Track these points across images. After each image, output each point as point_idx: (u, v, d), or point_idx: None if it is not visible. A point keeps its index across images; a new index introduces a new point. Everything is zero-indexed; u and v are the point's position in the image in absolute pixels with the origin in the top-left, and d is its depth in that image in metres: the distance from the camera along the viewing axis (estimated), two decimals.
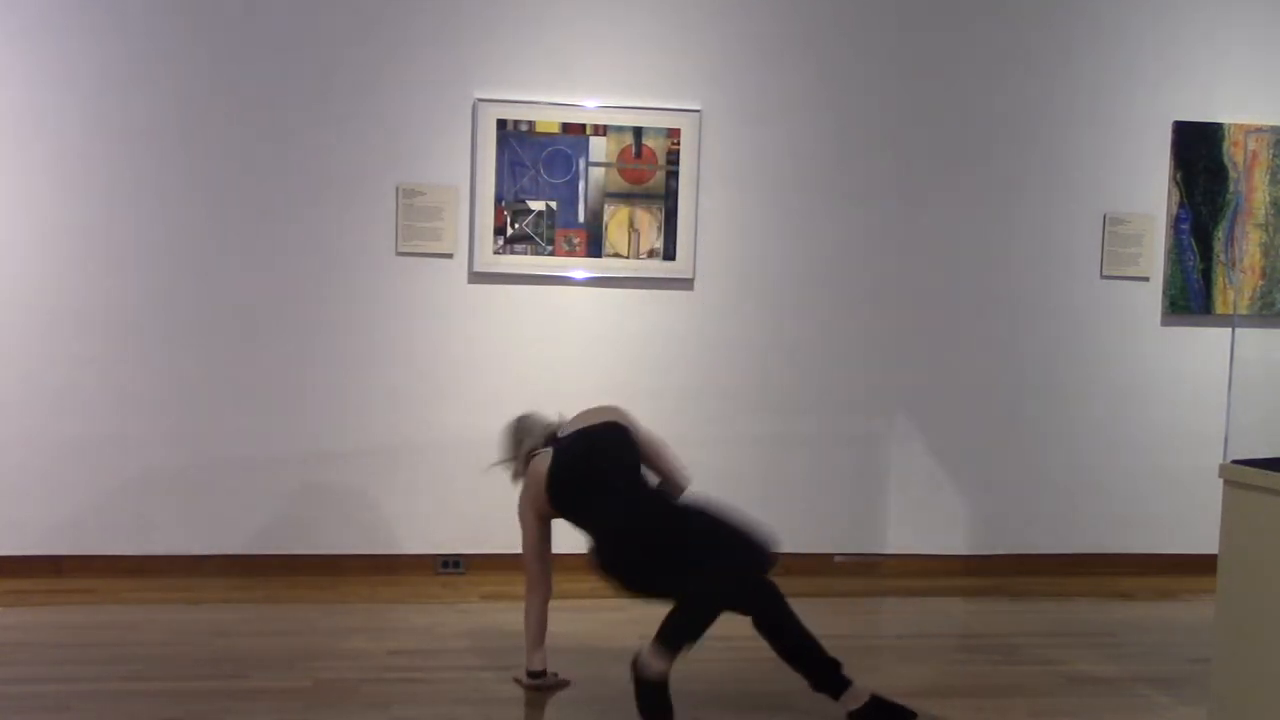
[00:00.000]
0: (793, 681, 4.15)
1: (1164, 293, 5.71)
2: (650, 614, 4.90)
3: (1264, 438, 3.40)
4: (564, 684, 3.95)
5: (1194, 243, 5.70)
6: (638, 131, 5.32)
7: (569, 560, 5.41)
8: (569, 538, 5.48)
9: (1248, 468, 3.23)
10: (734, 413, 5.48)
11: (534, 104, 5.25)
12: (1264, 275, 5.71)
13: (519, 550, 5.38)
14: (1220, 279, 5.73)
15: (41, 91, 4.98)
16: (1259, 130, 5.66)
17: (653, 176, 5.35)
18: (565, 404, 5.39)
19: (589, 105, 5.28)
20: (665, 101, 5.34)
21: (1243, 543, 3.23)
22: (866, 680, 3.78)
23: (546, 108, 5.26)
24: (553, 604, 5.01)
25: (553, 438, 3.96)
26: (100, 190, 5.06)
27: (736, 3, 5.40)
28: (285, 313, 5.17)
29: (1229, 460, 3.30)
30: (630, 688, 3.59)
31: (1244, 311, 5.64)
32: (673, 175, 5.36)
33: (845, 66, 5.47)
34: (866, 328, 5.54)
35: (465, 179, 5.25)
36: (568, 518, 3.89)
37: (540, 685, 3.93)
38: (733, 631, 4.72)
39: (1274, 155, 5.73)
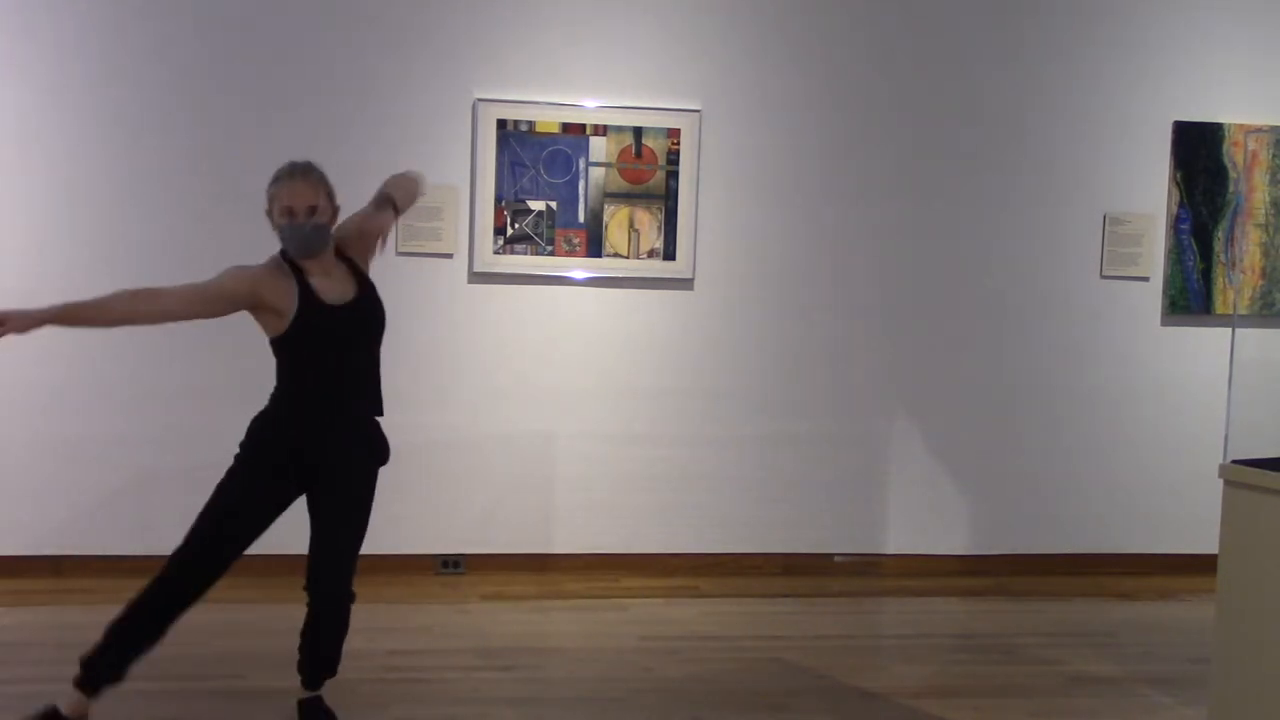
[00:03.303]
0: (793, 681, 4.16)
1: (1164, 293, 5.71)
2: (652, 614, 4.93)
3: (1264, 438, 3.40)
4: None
5: (1194, 243, 5.70)
6: (638, 131, 5.32)
7: (568, 560, 5.44)
8: (571, 539, 5.51)
9: (1248, 468, 3.23)
10: (734, 412, 5.48)
11: (534, 104, 5.25)
12: (1264, 275, 5.71)
13: (519, 550, 5.42)
14: (1220, 279, 5.73)
15: (41, 92, 4.98)
16: (1259, 130, 5.66)
17: (653, 176, 5.35)
18: (565, 404, 5.43)
19: (589, 105, 5.28)
20: (665, 101, 5.34)
21: (1243, 543, 3.23)
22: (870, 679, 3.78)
23: (546, 108, 5.26)
24: (553, 604, 5.04)
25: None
26: (100, 190, 5.06)
27: (736, 3, 5.40)
28: None
29: (1229, 460, 3.29)
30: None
31: (1244, 311, 5.64)
32: (673, 175, 5.36)
33: (845, 66, 5.47)
34: (866, 327, 5.54)
35: (465, 179, 5.25)
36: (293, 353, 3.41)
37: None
38: (733, 631, 4.74)
39: (1274, 155, 5.73)
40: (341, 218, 3.56)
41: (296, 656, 3.57)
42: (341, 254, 3.54)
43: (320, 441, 3.45)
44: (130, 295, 3.35)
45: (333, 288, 3.44)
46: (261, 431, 3.49)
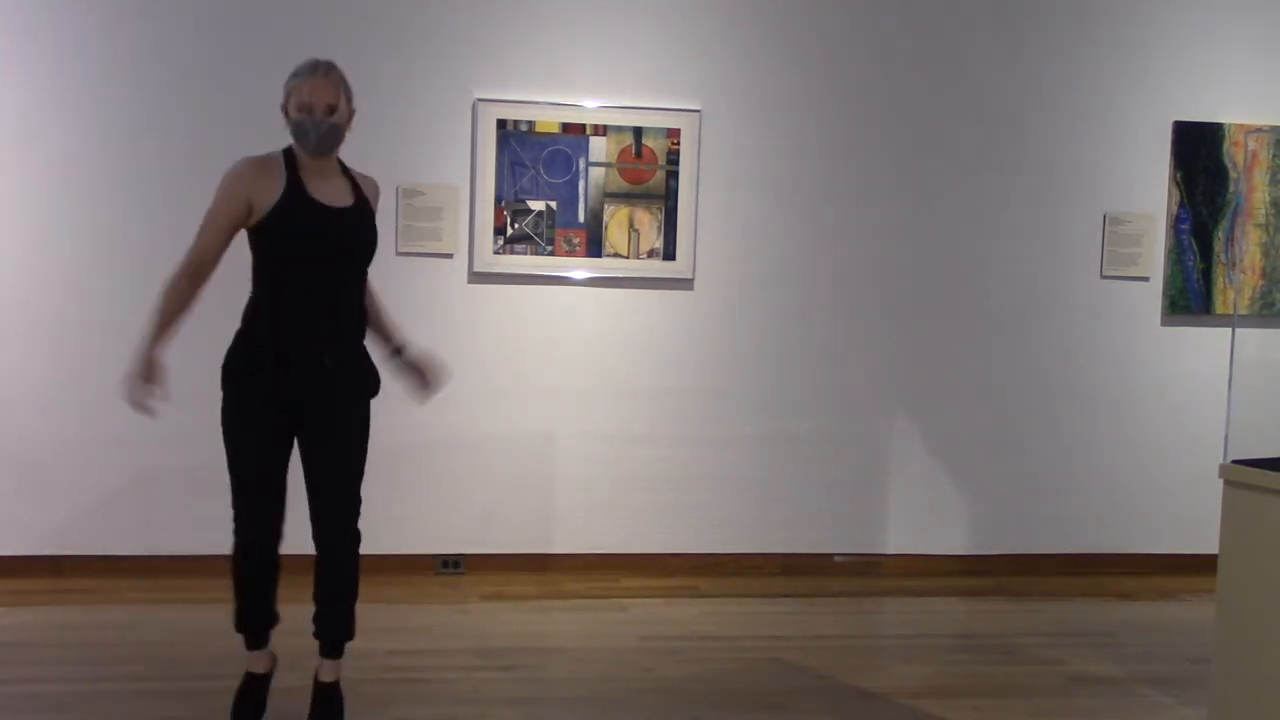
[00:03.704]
0: (793, 681, 4.16)
1: (1164, 293, 5.71)
2: (652, 614, 4.93)
3: (1264, 438, 3.39)
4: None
5: (1194, 243, 5.70)
6: (638, 131, 5.32)
7: (568, 560, 5.44)
8: (571, 539, 5.51)
9: (1248, 468, 3.22)
10: (734, 413, 5.48)
11: (534, 104, 5.25)
12: (1264, 275, 5.71)
13: (519, 550, 5.42)
14: (1220, 279, 5.73)
15: (41, 92, 4.98)
16: (1259, 130, 5.66)
17: (653, 176, 5.35)
18: (565, 404, 5.43)
19: (589, 105, 5.28)
20: (665, 101, 5.34)
21: (1243, 543, 3.23)
22: (865, 679, 3.78)
23: (546, 108, 5.26)
24: (553, 604, 5.04)
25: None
26: (100, 190, 5.06)
27: (736, 3, 5.40)
28: None
29: (1229, 460, 3.29)
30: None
31: (1244, 311, 5.64)
32: (673, 175, 5.36)
33: (845, 66, 5.47)
34: (866, 327, 5.54)
35: (465, 179, 5.25)
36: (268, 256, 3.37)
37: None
38: (733, 631, 4.74)
39: (1274, 155, 5.73)
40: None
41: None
42: (347, 172, 3.50)
43: (300, 360, 3.32)
44: (182, 280, 3.36)
45: (327, 192, 3.38)
46: (236, 359, 3.39)
